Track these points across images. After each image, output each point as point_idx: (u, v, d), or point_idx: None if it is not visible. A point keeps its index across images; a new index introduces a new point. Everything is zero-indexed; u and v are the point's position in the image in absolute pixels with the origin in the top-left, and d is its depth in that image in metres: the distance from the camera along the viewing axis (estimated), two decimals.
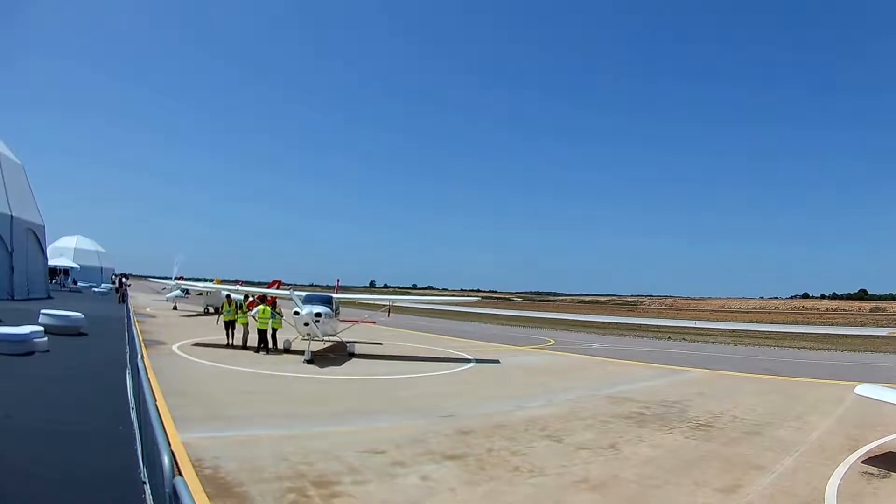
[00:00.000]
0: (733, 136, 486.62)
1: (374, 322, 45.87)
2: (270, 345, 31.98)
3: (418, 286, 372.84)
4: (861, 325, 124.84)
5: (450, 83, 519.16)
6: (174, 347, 31.15)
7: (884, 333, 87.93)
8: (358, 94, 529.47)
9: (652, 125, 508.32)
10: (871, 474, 14.40)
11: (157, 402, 16.45)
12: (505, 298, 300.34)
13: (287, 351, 31.53)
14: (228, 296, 37.39)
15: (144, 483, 8.59)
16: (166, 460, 6.29)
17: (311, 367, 27.36)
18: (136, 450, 10.34)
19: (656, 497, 11.88)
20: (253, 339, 32.38)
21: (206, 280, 70.65)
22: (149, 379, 14.99)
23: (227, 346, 32.61)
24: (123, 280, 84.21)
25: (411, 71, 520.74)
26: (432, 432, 15.95)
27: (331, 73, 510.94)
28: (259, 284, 61.72)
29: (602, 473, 13.14)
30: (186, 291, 62.58)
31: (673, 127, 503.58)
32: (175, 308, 63.12)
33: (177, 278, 72.36)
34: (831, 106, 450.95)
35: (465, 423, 17.30)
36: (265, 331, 31.84)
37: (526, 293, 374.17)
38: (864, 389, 18.19)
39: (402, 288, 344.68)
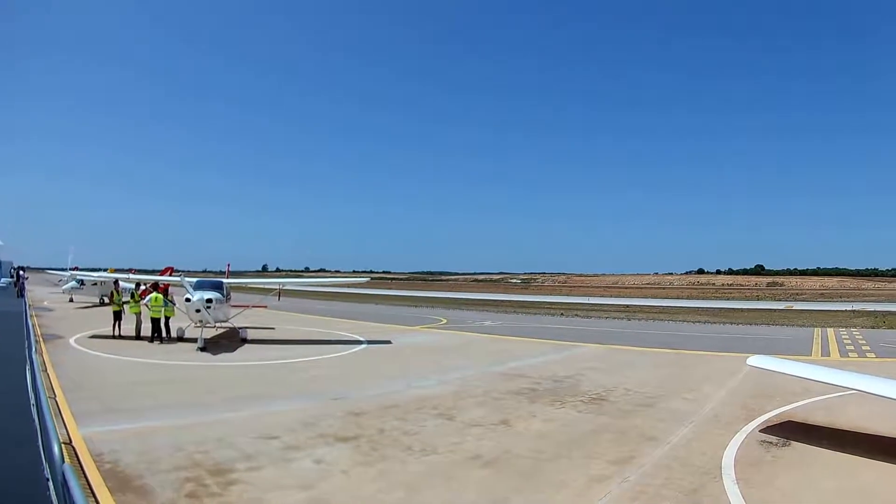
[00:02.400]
0: (625, 116, 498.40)
1: (265, 306, 45.62)
2: (164, 333, 31.47)
3: (311, 269, 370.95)
4: (758, 300, 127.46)
5: (343, 69, 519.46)
6: (71, 341, 30.56)
7: (781, 307, 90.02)
8: (251, 82, 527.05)
9: (546, 109, 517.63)
10: (770, 443, 14.77)
11: (56, 398, 16.38)
12: (396, 278, 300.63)
13: (181, 339, 31.22)
14: (116, 282, 36.79)
15: (48, 479, 8.66)
16: (56, 449, 6.42)
17: (205, 354, 27.21)
18: (39, 447, 10.34)
19: (549, 471, 12.05)
20: (147, 329, 31.75)
21: (101, 270, 69.34)
22: (47, 373, 14.74)
23: (114, 336, 31.98)
24: (21, 273, 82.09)
25: (306, 59, 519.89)
26: (325, 415, 16.05)
27: (216, 64, 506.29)
28: (153, 272, 60.64)
29: (494, 449, 13.34)
30: (81, 282, 61.02)
31: (567, 110, 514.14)
32: (71, 300, 61.57)
33: (71, 269, 70.87)
34: (728, 87, 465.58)
35: (356, 405, 17.45)
36: (158, 319, 31.30)
37: (419, 273, 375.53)
38: (756, 360, 18.55)
39: (295, 271, 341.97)
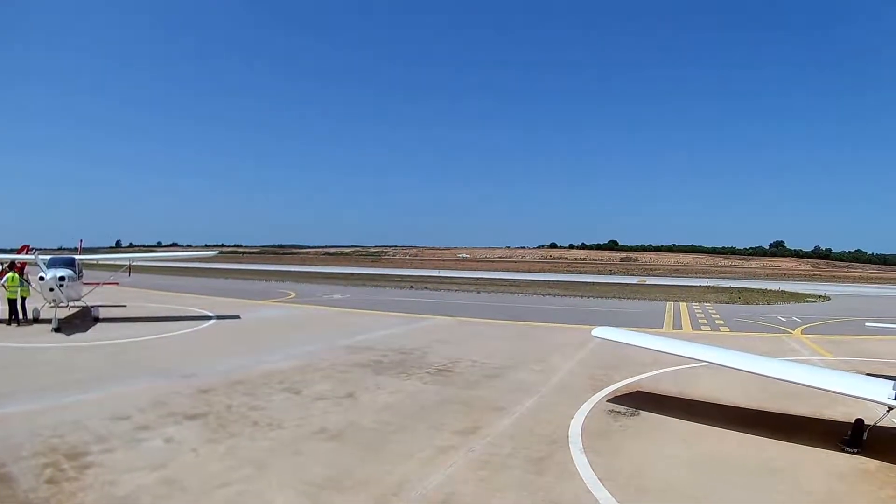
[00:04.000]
0: (461, 105, 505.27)
1: (117, 283, 44.83)
2: (21, 315, 30.45)
3: (163, 243, 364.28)
4: (611, 274, 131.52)
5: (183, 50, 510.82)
6: None
7: (634, 282, 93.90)
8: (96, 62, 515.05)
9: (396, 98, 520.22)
10: (619, 412, 15.33)
11: None
12: (248, 252, 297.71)
13: (36, 320, 30.35)
14: None
15: None
16: None
17: (59, 335, 26.46)
18: None
19: (394, 442, 12.40)
20: (3, 311, 30.68)
21: None
22: None
23: None
24: None
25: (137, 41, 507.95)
26: (174, 393, 16.09)
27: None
28: (10, 251, 58.66)
29: (340, 422, 13.67)
30: None
31: (423, 100, 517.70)
32: None
33: None
34: (575, 78, 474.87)
35: (205, 382, 17.54)
36: (15, 300, 30.18)
37: (270, 246, 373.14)
38: (600, 331, 18.74)
39: (147, 246, 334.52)
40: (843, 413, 15.04)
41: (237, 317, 34.93)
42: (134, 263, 45.29)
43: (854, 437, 12.96)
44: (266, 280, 76.55)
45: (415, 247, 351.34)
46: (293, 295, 52.46)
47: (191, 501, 9.35)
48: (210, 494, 9.58)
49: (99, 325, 30.16)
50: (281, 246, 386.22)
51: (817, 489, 10.61)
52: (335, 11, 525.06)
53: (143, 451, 11.49)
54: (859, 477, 11.28)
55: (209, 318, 33.97)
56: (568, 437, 13.06)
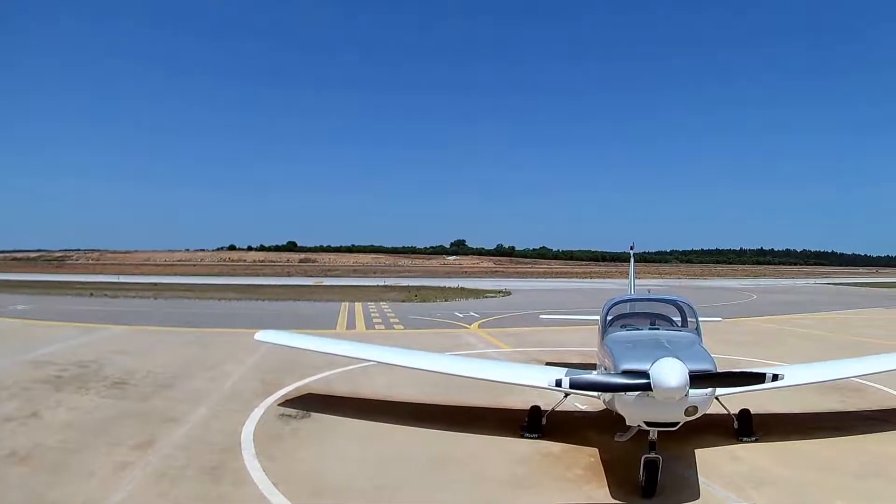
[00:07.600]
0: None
1: None
2: None
3: None
4: (288, 276, 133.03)
5: None
6: None
7: (310, 283, 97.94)
8: None
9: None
10: (290, 416, 16.03)
11: None
12: None
13: None
14: None
15: None
16: None
17: None
18: None
19: (77, 462, 12.28)
20: None
21: None
22: None
23: None
24: None
25: None
26: None
27: None
28: None
29: (27, 444, 13.53)
30: None
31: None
32: None
33: None
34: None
35: None
36: None
37: None
38: (264, 335, 19.29)
39: None
40: (521, 401, 16.17)
41: None
42: None
43: (532, 423, 14.15)
44: None
45: (97, 250, 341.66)
46: None
47: None
48: None
49: None
50: None
51: (500, 475, 11.65)
52: None
53: None
54: (543, 460, 12.52)
55: None
56: (240, 443, 13.60)
